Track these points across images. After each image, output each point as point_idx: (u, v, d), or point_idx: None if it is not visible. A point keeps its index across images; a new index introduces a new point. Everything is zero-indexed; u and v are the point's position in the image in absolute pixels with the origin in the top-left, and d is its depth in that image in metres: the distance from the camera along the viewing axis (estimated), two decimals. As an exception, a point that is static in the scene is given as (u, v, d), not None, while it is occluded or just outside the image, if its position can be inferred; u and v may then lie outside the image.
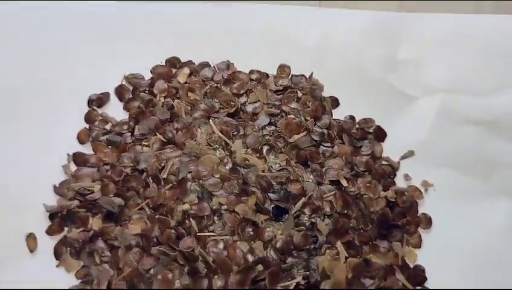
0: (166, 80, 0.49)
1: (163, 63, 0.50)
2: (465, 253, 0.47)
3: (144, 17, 0.51)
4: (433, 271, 0.46)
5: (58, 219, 0.45)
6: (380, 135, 0.50)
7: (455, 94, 0.51)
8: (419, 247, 0.47)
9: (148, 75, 0.50)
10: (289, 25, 0.52)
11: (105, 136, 0.47)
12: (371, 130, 0.49)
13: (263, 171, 0.45)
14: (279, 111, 0.48)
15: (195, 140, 0.46)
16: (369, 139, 0.49)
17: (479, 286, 0.45)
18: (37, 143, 0.47)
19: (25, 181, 0.45)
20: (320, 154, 0.47)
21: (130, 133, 0.47)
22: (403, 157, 0.49)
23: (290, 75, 0.50)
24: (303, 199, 0.44)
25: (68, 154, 0.47)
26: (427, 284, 0.45)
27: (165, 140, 0.46)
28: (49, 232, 0.45)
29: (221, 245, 0.43)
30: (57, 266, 0.44)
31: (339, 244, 0.44)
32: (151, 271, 0.42)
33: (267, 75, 0.50)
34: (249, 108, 0.48)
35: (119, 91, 0.49)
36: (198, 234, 0.43)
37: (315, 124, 0.48)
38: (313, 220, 0.44)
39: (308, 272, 0.42)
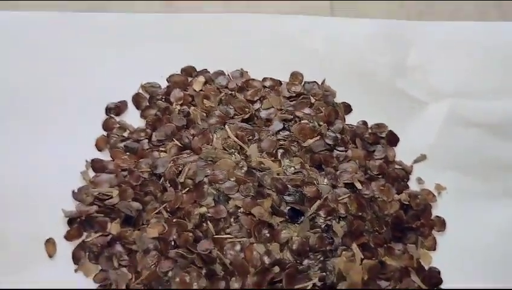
0: (182, 88, 0.51)
1: (179, 72, 0.52)
2: (480, 255, 0.47)
3: (159, 28, 0.53)
4: (448, 273, 0.46)
5: (77, 224, 0.46)
6: (393, 139, 0.50)
7: (463, 99, 0.52)
8: (434, 249, 0.47)
9: (164, 84, 0.51)
10: (300, 34, 0.53)
11: (123, 143, 0.48)
12: (384, 135, 0.50)
13: (278, 174, 0.45)
14: (292, 116, 0.49)
15: (211, 145, 0.47)
16: (381, 144, 0.50)
17: (495, 287, 0.45)
18: (56, 150, 0.48)
19: (44, 187, 0.46)
20: (334, 158, 0.47)
21: (147, 140, 0.48)
22: (415, 161, 0.50)
23: (303, 82, 0.52)
24: (318, 202, 0.44)
25: (86, 161, 0.48)
26: (443, 286, 0.45)
27: (181, 145, 0.47)
28: (68, 237, 0.45)
29: (238, 247, 0.43)
30: (76, 270, 0.44)
31: (354, 246, 0.44)
32: (169, 274, 0.43)
33: (280, 82, 0.51)
34: (263, 114, 0.49)
35: (136, 99, 0.50)
36: (215, 236, 0.43)
37: (328, 129, 0.48)
38: (328, 222, 0.44)
39: (324, 274, 0.43)
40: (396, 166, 0.49)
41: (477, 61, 0.53)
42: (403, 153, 0.50)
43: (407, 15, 0.56)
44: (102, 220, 0.45)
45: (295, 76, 0.52)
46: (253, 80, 0.51)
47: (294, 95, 0.50)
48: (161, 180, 0.46)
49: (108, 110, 0.50)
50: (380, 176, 0.48)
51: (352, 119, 0.51)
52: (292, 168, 0.46)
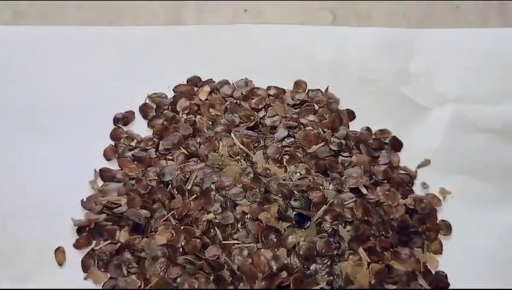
0: (188, 98, 0.51)
1: (185, 82, 0.53)
2: (486, 259, 0.47)
3: (165, 40, 0.54)
4: (454, 277, 0.46)
5: (86, 232, 0.46)
6: (396, 145, 0.51)
7: (466, 103, 0.52)
8: (441, 253, 0.47)
9: (170, 94, 0.52)
10: (304, 44, 0.54)
11: (131, 152, 0.49)
12: (387, 141, 0.51)
13: (284, 180, 0.46)
14: (297, 124, 0.50)
15: (217, 152, 0.47)
16: (386, 150, 0.50)
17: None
18: (64, 160, 0.49)
19: (53, 197, 0.47)
20: (339, 163, 0.48)
21: (154, 149, 0.49)
22: (419, 166, 0.50)
23: (306, 90, 0.52)
24: (324, 207, 0.45)
25: (95, 170, 0.48)
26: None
27: (188, 153, 0.48)
28: (77, 245, 0.46)
29: (245, 253, 0.43)
30: (85, 278, 0.45)
31: (361, 250, 0.44)
32: (178, 280, 0.43)
33: (284, 91, 0.52)
34: (268, 122, 0.50)
35: (144, 109, 0.51)
36: (223, 242, 0.44)
37: (333, 135, 0.49)
38: (335, 227, 0.45)
39: (331, 278, 0.43)
40: (401, 171, 0.50)
41: (480, 66, 0.54)
42: (407, 159, 0.51)
43: (407, 24, 0.57)
44: (111, 228, 0.46)
45: (299, 84, 0.53)
46: (258, 88, 0.52)
47: (298, 102, 0.51)
48: (169, 188, 0.46)
49: (116, 120, 0.51)
50: (384, 181, 0.49)
51: (356, 126, 0.52)
52: (298, 174, 0.47)
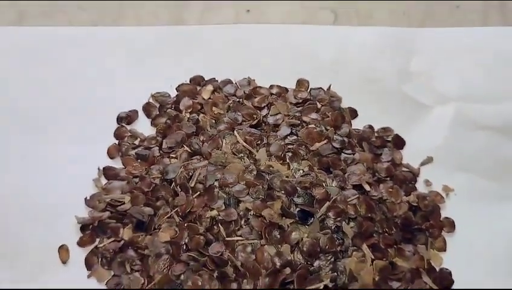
0: (191, 97, 0.52)
1: (188, 82, 0.53)
2: (490, 256, 0.47)
3: (168, 40, 0.54)
4: (458, 274, 0.46)
5: (90, 230, 0.46)
6: (399, 143, 0.51)
7: (467, 102, 0.52)
8: (444, 250, 0.47)
9: (173, 93, 0.53)
10: (305, 43, 0.55)
11: (134, 151, 0.49)
12: (390, 139, 0.51)
13: (287, 177, 0.46)
14: (299, 122, 0.50)
15: (220, 150, 0.47)
16: (388, 147, 0.51)
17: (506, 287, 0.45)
18: (68, 159, 0.49)
19: (56, 195, 0.47)
20: (342, 161, 0.48)
21: (157, 147, 0.49)
22: (422, 164, 0.50)
23: (309, 89, 0.53)
24: (327, 203, 0.45)
25: (99, 169, 0.49)
26: (454, 287, 0.45)
27: (191, 151, 0.48)
28: (81, 243, 0.46)
29: (249, 249, 0.43)
30: (89, 276, 0.45)
31: (364, 246, 0.44)
32: (182, 277, 0.43)
33: (286, 89, 0.52)
34: (271, 120, 0.50)
35: (147, 108, 0.52)
36: (226, 239, 0.44)
37: (335, 133, 0.49)
38: (338, 223, 0.45)
39: (335, 274, 0.43)
40: (404, 169, 0.50)
41: (481, 65, 0.54)
42: (409, 156, 0.51)
43: (408, 23, 0.57)
44: (114, 226, 0.46)
45: (301, 83, 0.53)
46: (260, 87, 0.52)
47: (300, 101, 0.51)
48: (172, 186, 0.46)
49: (119, 119, 0.51)
50: (387, 179, 0.49)
51: (358, 124, 0.52)
52: (301, 171, 0.47)
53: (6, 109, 0.51)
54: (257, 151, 0.47)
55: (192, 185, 0.46)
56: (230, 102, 0.51)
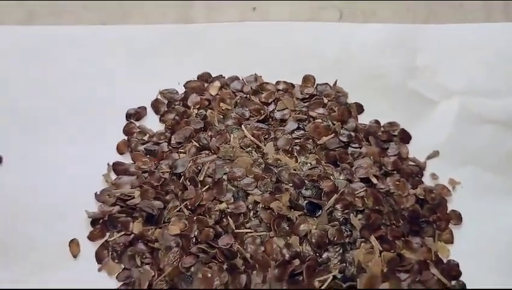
0: (199, 94, 0.52)
1: (195, 79, 0.54)
2: (496, 248, 0.47)
3: (176, 38, 0.55)
4: (465, 266, 0.46)
5: (100, 224, 0.47)
6: (405, 137, 0.51)
7: (472, 96, 0.53)
8: (452, 242, 0.47)
9: (181, 90, 0.53)
10: (311, 41, 0.55)
11: (143, 146, 0.50)
12: (396, 133, 0.51)
13: (295, 170, 0.46)
14: (306, 117, 0.50)
15: (228, 144, 0.48)
16: (395, 142, 0.51)
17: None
18: (78, 155, 0.49)
19: (67, 190, 0.48)
20: (349, 154, 0.49)
21: (166, 143, 0.50)
22: (428, 158, 0.51)
23: (315, 85, 0.53)
24: (335, 195, 0.45)
25: (108, 164, 0.49)
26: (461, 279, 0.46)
27: (200, 146, 0.49)
28: (91, 237, 0.46)
29: (258, 241, 0.44)
30: (99, 269, 0.45)
31: (372, 238, 0.45)
32: (192, 269, 0.44)
33: (293, 85, 0.53)
34: (278, 115, 0.51)
35: (155, 105, 0.52)
36: (235, 231, 0.44)
37: (342, 127, 0.50)
38: (346, 215, 0.45)
39: (344, 265, 0.43)
40: (410, 162, 0.50)
41: (484, 60, 0.54)
42: (415, 151, 0.51)
43: (413, 19, 0.58)
44: (124, 220, 0.46)
45: (307, 79, 0.53)
46: (267, 83, 0.53)
47: (307, 96, 0.52)
48: (181, 180, 0.47)
49: (128, 115, 0.52)
50: (394, 172, 0.49)
51: (363, 120, 0.52)
52: (308, 165, 0.47)
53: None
54: (265, 145, 0.48)
55: (201, 178, 0.46)
56: (237, 98, 0.52)
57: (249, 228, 0.44)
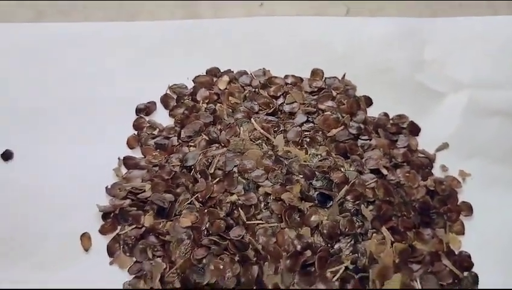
0: (208, 88, 0.53)
1: (204, 73, 0.54)
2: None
3: (184, 34, 0.55)
4: (477, 257, 0.46)
5: (111, 218, 0.47)
6: (414, 129, 0.52)
7: (479, 89, 0.53)
8: (463, 234, 0.47)
9: (190, 85, 0.53)
10: (318, 34, 0.56)
11: (153, 140, 0.50)
12: (405, 126, 0.52)
13: (305, 161, 0.47)
14: (315, 110, 0.51)
15: (238, 137, 0.48)
16: (404, 134, 0.51)
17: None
18: (89, 150, 0.50)
19: (78, 185, 0.48)
20: (359, 147, 0.49)
21: (176, 137, 0.50)
22: (438, 150, 0.51)
23: (324, 78, 0.53)
24: (346, 187, 0.45)
25: (119, 158, 0.49)
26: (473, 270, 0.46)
27: (209, 140, 0.49)
28: (103, 231, 0.46)
29: (269, 232, 0.44)
30: (111, 263, 0.45)
31: (384, 229, 0.45)
32: (203, 261, 0.44)
33: (301, 79, 0.53)
34: (287, 108, 0.51)
35: (165, 100, 0.53)
36: (247, 222, 0.44)
37: (351, 120, 0.50)
38: (357, 207, 0.45)
39: (356, 256, 0.43)
40: (420, 154, 0.50)
41: (492, 53, 0.55)
42: (424, 143, 0.51)
43: (419, 13, 0.58)
44: (135, 213, 0.46)
45: (316, 73, 0.54)
46: (276, 77, 0.53)
47: (315, 90, 0.52)
48: (192, 172, 0.47)
49: (138, 110, 0.52)
50: (404, 164, 0.49)
51: (372, 113, 0.52)
52: (318, 156, 0.47)
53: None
54: (274, 137, 0.48)
55: (212, 171, 0.46)
56: (246, 92, 0.52)
57: (260, 220, 0.44)
